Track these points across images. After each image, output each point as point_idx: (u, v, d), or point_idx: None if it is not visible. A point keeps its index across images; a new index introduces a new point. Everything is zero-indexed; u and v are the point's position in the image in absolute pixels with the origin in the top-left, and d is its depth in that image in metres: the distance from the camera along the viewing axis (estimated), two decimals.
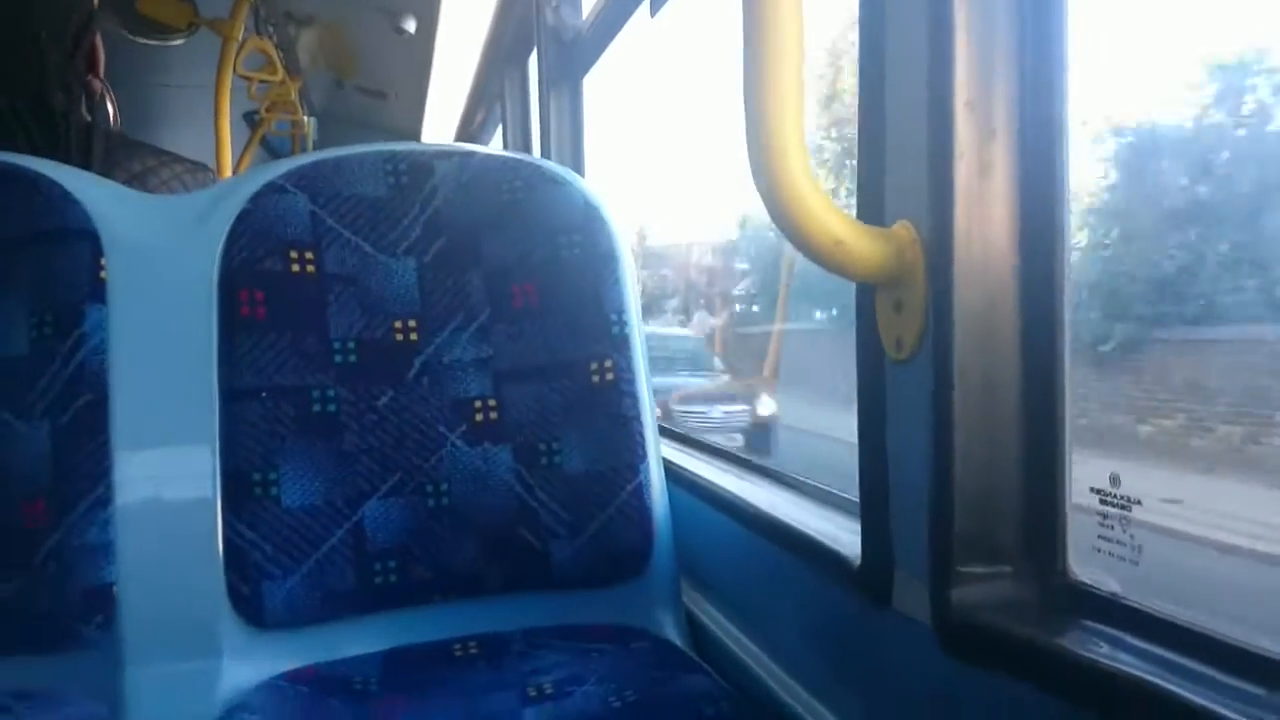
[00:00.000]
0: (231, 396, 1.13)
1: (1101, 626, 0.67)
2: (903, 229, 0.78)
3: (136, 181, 1.40)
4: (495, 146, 3.66)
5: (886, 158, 0.81)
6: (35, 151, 1.30)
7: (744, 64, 0.74)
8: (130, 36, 2.71)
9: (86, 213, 1.12)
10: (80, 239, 1.12)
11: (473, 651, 1.14)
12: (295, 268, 1.17)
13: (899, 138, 0.80)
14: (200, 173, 1.50)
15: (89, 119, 1.41)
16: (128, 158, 1.42)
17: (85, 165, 1.32)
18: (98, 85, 1.47)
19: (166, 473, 1.12)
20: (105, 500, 1.08)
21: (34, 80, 1.35)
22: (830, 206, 0.75)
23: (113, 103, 1.53)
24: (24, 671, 1.06)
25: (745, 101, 0.75)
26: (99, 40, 1.45)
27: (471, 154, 1.27)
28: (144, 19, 2.67)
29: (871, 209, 0.82)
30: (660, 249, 16.36)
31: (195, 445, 1.12)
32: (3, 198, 1.11)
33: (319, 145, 3.99)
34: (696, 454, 1.52)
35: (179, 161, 1.48)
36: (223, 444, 1.12)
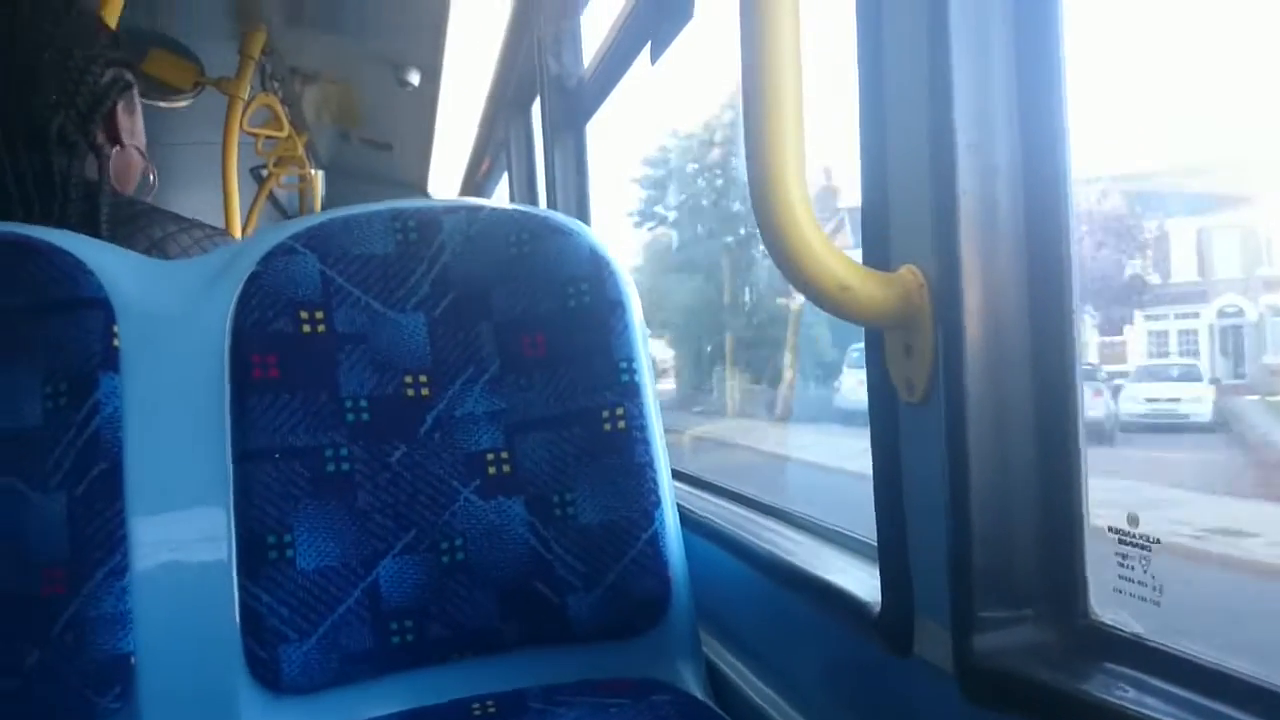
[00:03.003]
0: (245, 458, 1.13)
1: (1126, 669, 0.66)
2: (909, 273, 0.78)
3: (157, 249, 1.39)
4: (501, 194, 3.68)
5: (890, 202, 0.81)
6: (29, 210, 1.29)
7: (744, 112, 0.75)
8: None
9: (98, 281, 1.13)
10: (93, 307, 1.12)
11: (491, 711, 1.13)
12: (306, 328, 1.17)
13: (902, 182, 0.80)
14: (219, 237, 1.50)
15: (94, 180, 1.40)
16: (149, 224, 1.42)
17: (89, 229, 1.31)
18: (135, 157, 1.47)
19: (182, 538, 1.11)
20: (122, 569, 1.07)
21: (38, 142, 1.35)
22: (834, 251, 0.75)
23: (152, 173, 1.53)
24: None
25: (747, 148, 0.75)
26: (121, 109, 1.44)
27: (478, 208, 1.28)
28: (149, 80, 2.68)
29: (877, 254, 0.82)
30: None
31: (210, 509, 1.12)
32: (14, 268, 1.12)
33: (326, 198, 4.01)
34: (712, 498, 1.51)
35: (199, 227, 1.48)
36: (237, 507, 1.12)
